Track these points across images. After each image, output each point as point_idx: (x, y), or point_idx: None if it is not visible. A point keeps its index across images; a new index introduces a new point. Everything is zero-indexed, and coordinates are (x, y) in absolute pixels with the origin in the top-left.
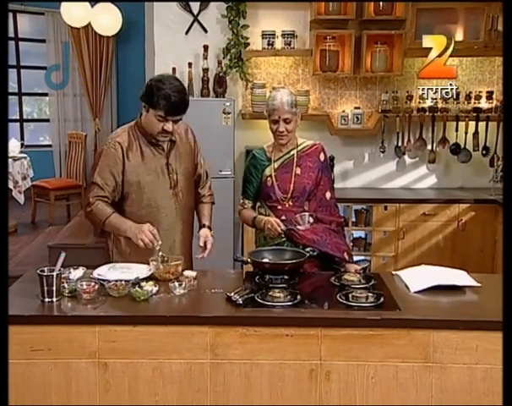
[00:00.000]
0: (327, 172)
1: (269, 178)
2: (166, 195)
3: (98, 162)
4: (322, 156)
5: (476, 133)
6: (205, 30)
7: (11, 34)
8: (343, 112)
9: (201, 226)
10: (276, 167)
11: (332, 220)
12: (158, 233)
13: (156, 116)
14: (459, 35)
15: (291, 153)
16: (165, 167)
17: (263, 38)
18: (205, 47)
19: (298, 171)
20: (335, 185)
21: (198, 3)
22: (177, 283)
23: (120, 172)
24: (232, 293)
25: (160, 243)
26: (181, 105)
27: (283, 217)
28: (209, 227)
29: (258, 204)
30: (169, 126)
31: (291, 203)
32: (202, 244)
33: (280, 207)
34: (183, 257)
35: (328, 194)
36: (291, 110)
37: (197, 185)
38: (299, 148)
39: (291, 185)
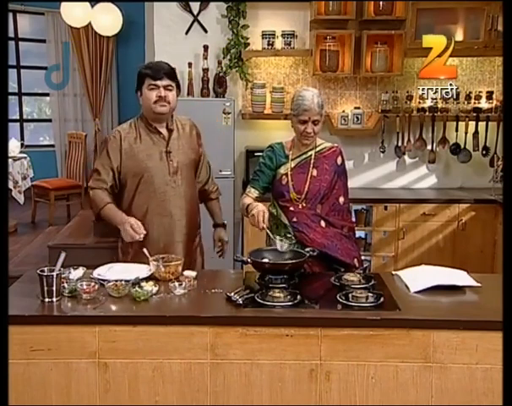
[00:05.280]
0: (343, 176)
1: (284, 177)
2: (164, 181)
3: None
4: (339, 160)
5: (476, 133)
6: (205, 30)
7: (11, 34)
8: (343, 112)
9: (215, 225)
10: (293, 166)
11: (344, 224)
12: (152, 220)
13: (148, 86)
14: (459, 35)
15: (309, 154)
16: (164, 153)
17: (263, 38)
18: (205, 47)
19: (315, 172)
20: None
21: (198, 3)
22: (177, 283)
23: (118, 157)
24: (232, 293)
25: (143, 233)
26: (165, 66)
27: (294, 219)
28: (224, 225)
29: (270, 203)
30: (161, 90)
31: (304, 204)
32: (218, 249)
33: (292, 209)
34: (182, 247)
35: (341, 199)
36: (321, 112)
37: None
38: (317, 149)
39: (306, 186)
